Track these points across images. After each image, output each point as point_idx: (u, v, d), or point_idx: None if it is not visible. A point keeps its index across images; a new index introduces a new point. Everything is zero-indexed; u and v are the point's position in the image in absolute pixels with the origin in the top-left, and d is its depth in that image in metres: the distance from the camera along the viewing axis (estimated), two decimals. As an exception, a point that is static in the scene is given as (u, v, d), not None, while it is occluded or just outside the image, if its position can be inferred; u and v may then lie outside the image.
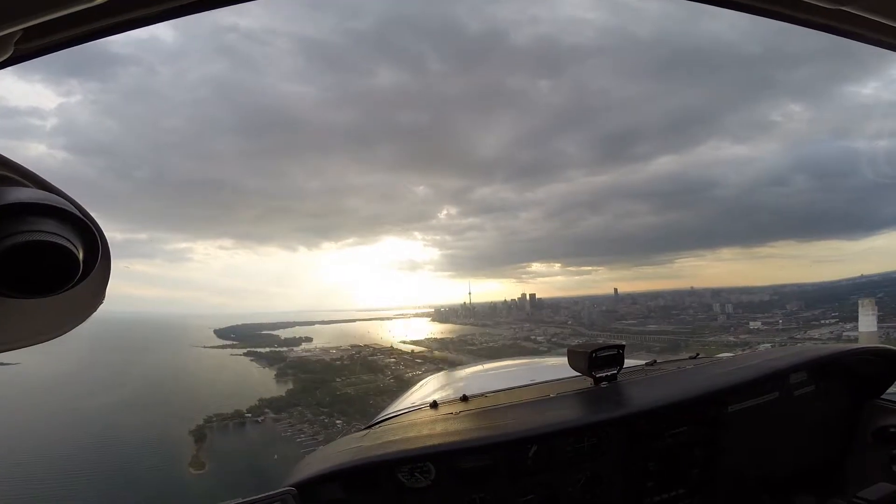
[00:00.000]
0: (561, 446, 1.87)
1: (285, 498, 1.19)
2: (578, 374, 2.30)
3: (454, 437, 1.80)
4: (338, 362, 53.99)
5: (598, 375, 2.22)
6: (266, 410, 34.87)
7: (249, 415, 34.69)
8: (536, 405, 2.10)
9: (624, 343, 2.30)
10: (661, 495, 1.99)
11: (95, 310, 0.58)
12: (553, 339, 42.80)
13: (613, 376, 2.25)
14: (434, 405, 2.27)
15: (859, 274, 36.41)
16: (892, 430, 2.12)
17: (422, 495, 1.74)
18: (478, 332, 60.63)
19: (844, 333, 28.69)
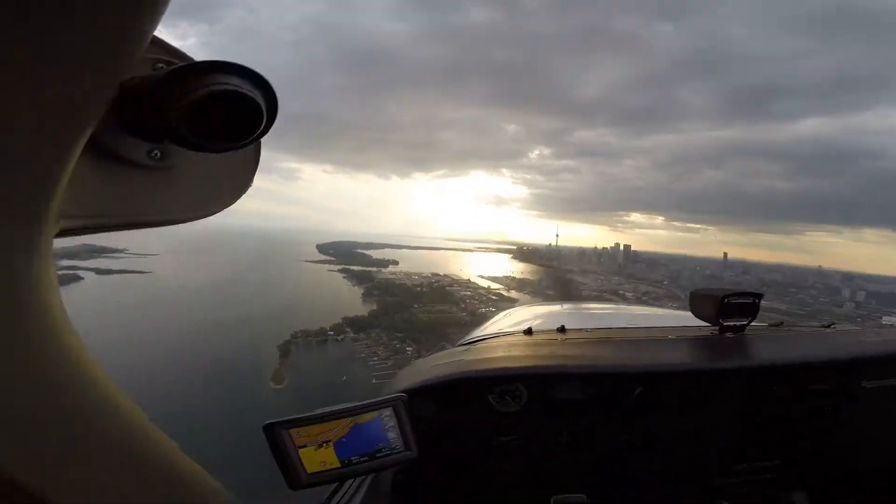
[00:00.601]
0: (670, 391, 1.71)
1: (397, 403, 1.23)
2: (700, 323, 2.08)
3: (554, 362, 1.69)
4: (418, 288, 56.55)
5: (725, 324, 1.99)
6: (347, 329, 38.81)
7: (332, 333, 38.92)
8: (649, 344, 1.95)
9: (762, 292, 2.03)
10: (755, 462, 1.83)
11: (245, 191, 0.59)
12: (643, 299, 39.71)
13: (742, 327, 2.01)
14: (529, 332, 2.09)
15: None
16: None
17: (509, 421, 1.65)
18: (560, 278, 59.21)
19: None
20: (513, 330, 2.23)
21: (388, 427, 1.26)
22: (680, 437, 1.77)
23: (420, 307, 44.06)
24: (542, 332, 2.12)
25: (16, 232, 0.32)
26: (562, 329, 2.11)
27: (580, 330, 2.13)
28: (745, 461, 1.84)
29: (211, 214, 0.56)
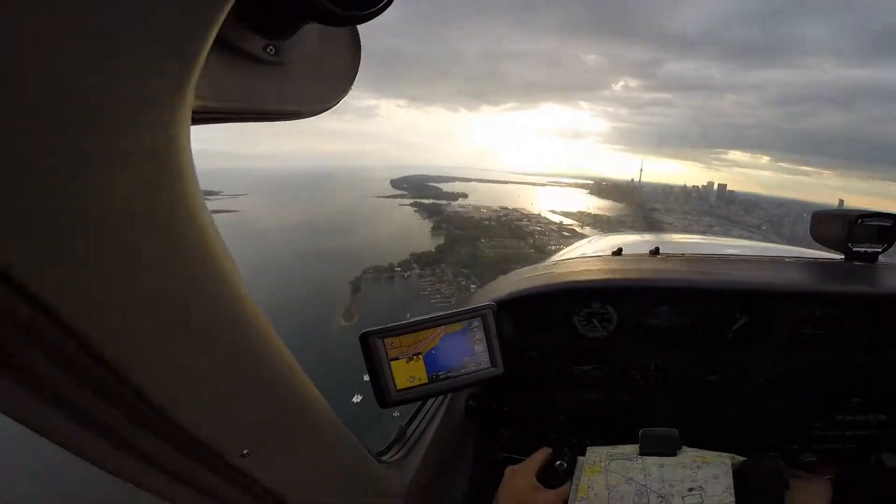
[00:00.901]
0: (778, 320, 1.50)
1: (486, 314, 1.23)
2: (825, 248, 1.81)
3: (651, 277, 1.51)
4: (486, 222, 55.42)
5: (855, 249, 1.70)
6: (414, 266, 40.02)
7: (399, 269, 40.33)
8: (760, 265, 1.72)
9: None
10: (859, 416, 1.63)
11: (348, 90, 0.61)
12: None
13: (875, 255, 1.70)
14: (618, 252, 1.87)
15: None
16: None
17: (595, 346, 1.53)
18: (641, 218, 55.23)
19: None
20: (600, 253, 1.98)
21: (476, 339, 1.23)
22: (781, 377, 1.57)
23: (487, 241, 44.15)
24: (634, 255, 1.85)
25: (167, 78, 0.32)
26: (655, 251, 1.81)
27: (678, 255, 1.82)
28: (847, 412, 1.63)
29: (321, 111, 0.58)
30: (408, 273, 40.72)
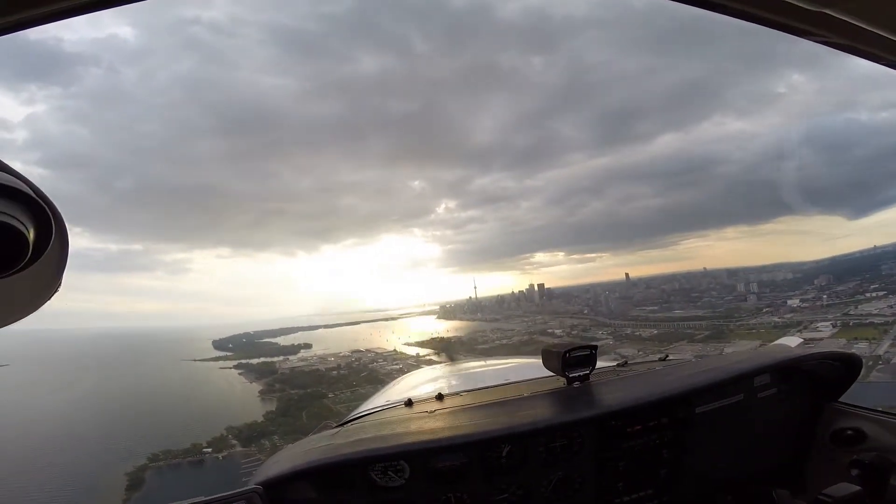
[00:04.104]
0: (534, 446, 1.88)
1: (251, 497, 1.16)
2: (552, 374, 2.32)
3: (428, 436, 1.78)
4: (334, 372, 49.67)
5: (571, 375, 2.23)
6: (233, 442, 30.57)
7: (209, 450, 30.22)
8: (510, 404, 2.09)
9: (597, 344, 2.34)
10: (630, 495, 2.04)
11: (49, 298, 0.56)
12: (573, 333, 39.31)
13: (586, 376, 2.26)
14: (409, 403, 2.33)
15: (872, 245, 34.74)
16: (850, 432, 2.20)
17: (396, 494, 1.73)
18: (488, 329, 56.68)
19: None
20: (396, 402, 2.44)
21: None
22: (555, 485, 1.91)
23: (336, 395, 37.00)
24: (423, 401, 2.36)
25: None
26: (440, 397, 2.34)
27: (456, 395, 2.39)
28: (620, 496, 2.03)
29: (12, 322, 0.54)
30: (224, 452, 29.39)
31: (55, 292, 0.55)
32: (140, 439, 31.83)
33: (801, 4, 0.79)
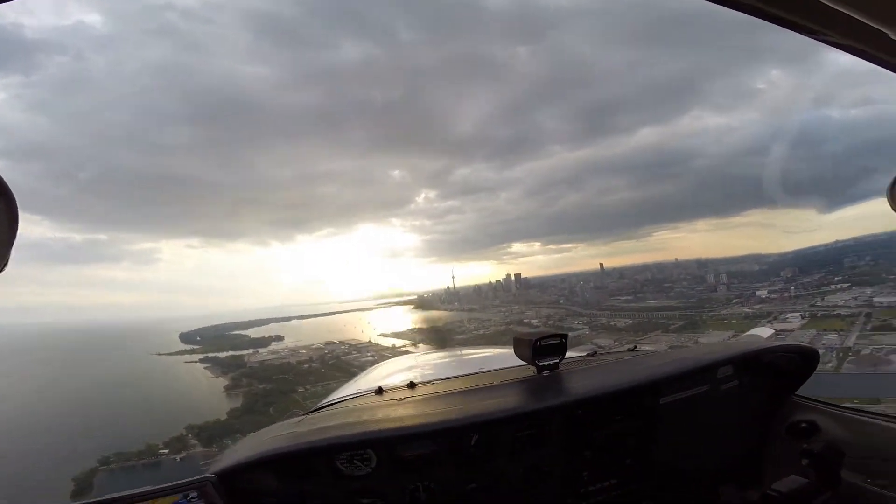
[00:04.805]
0: (502, 434, 1.88)
1: (203, 485, 1.13)
2: (523, 362, 2.31)
3: (395, 424, 1.78)
4: (305, 365, 48.27)
5: (540, 364, 2.23)
6: (193, 442, 28.83)
7: (166, 451, 28.40)
8: (479, 393, 2.10)
9: (567, 333, 2.34)
10: (595, 484, 2.04)
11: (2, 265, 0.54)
12: (549, 322, 39.10)
13: (555, 365, 2.27)
14: (379, 391, 2.29)
15: (834, 240, 36.17)
16: (804, 424, 2.23)
17: (362, 483, 1.72)
18: (465, 318, 56.05)
19: (875, 299, 26.70)
20: (366, 390, 2.42)
21: None
22: (524, 474, 1.92)
23: (307, 390, 35.55)
24: (393, 389, 2.33)
25: None
26: (411, 385, 2.33)
27: (428, 383, 2.37)
28: (586, 485, 2.03)
29: None
30: (183, 453, 27.71)
31: (1, 270, 0.53)
32: (91, 440, 29.66)
33: None
